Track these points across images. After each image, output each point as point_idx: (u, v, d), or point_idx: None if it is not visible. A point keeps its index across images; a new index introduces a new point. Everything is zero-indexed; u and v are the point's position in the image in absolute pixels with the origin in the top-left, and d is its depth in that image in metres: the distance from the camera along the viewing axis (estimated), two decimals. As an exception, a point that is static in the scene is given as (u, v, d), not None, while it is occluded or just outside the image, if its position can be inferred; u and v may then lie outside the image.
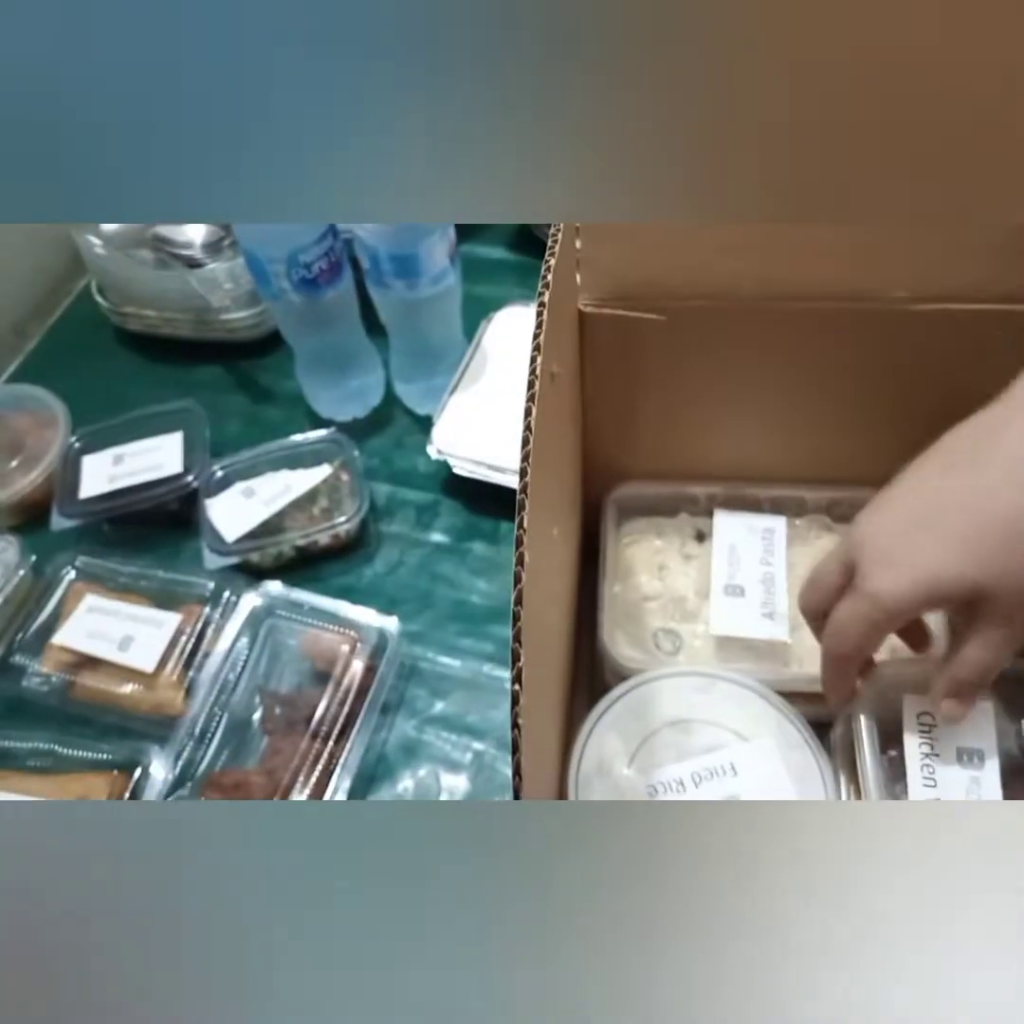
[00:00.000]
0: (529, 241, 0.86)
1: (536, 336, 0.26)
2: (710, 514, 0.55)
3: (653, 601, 0.53)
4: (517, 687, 0.24)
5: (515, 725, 0.25)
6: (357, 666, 0.57)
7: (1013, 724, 0.40)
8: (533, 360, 0.26)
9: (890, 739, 0.41)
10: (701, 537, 0.55)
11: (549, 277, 0.28)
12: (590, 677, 0.52)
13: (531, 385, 0.26)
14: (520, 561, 0.24)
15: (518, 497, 0.24)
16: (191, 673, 0.58)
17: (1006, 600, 0.33)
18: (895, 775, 0.40)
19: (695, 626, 0.52)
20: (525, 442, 0.25)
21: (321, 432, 0.69)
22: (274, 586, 0.61)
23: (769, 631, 0.49)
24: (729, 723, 0.45)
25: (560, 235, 0.30)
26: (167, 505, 0.67)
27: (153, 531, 0.69)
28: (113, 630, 0.60)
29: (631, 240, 0.43)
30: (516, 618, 0.24)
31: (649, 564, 0.55)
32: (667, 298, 0.45)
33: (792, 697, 0.46)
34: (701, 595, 0.53)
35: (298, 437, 0.69)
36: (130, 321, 0.82)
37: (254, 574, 0.63)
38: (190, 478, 0.67)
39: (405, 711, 0.59)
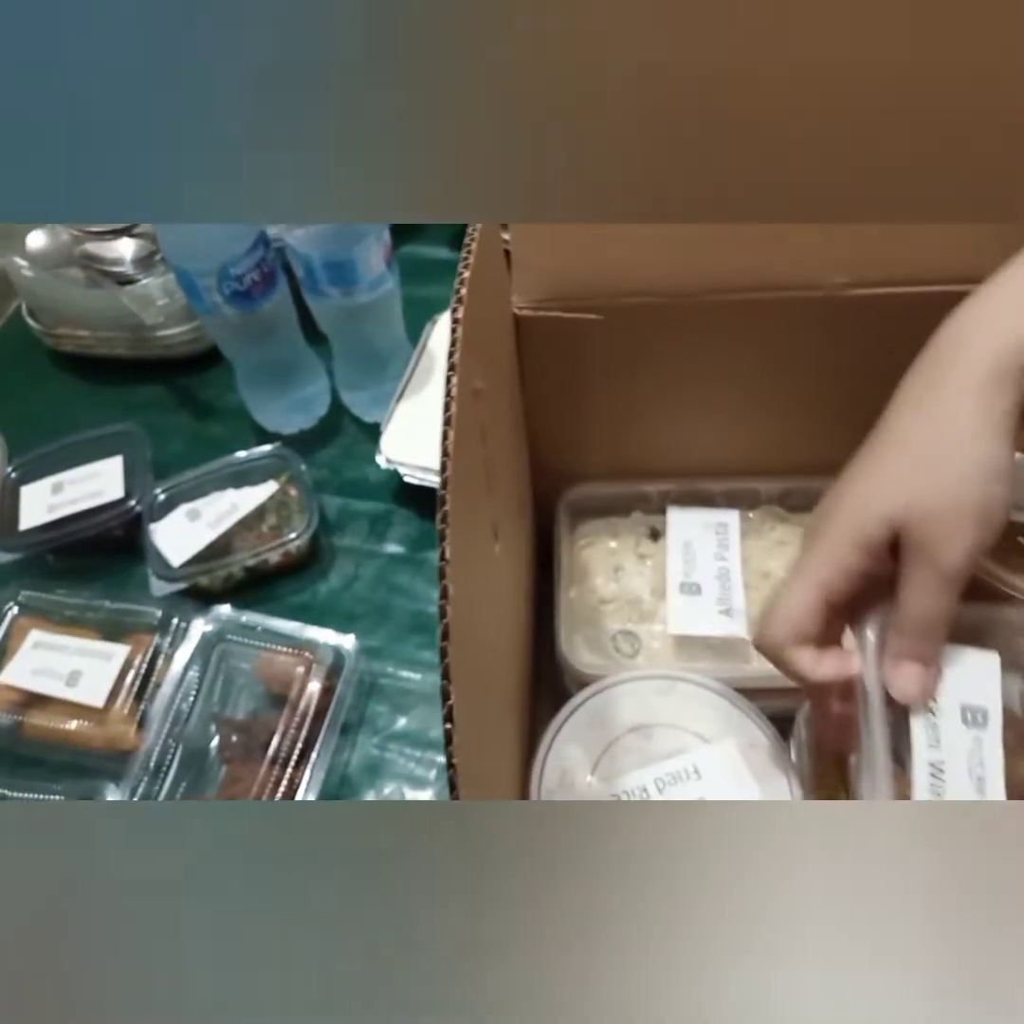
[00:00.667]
0: (472, 238, 0.85)
1: (451, 354, 0.25)
2: (663, 511, 0.54)
3: (610, 603, 0.52)
4: (449, 726, 0.23)
5: (450, 765, 0.24)
6: (314, 687, 0.55)
7: (1016, 682, 0.38)
8: (448, 380, 0.25)
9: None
10: (655, 535, 0.55)
11: (463, 291, 0.26)
12: (552, 684, 0.51)
13: (448, 407, 0.24)
14: (444, 594, 0.23)
15: (438, 526, 0.23)
16: (143, 705, 0.56)
17: (921, 529, 0.32)
18: (896, 733, 0.37)
19: (653, 626, 0.51)
20: (443, 468, 0.23)
21: (266, 447, 0.67)
22: (224, 610, 0.59)
23: (727, 628, 0.49)
24: (691, 725, 0.44)
25: (474, 244, 0.29)
26: (111, 532, 0.65)
27: (98, 560, 0.66)
28: (60, 666, 0.58)
29: (563, 238, 0.42)
30: (443, 654, 0.23)
31: (604, 566, 0.54)
32: (604, 296, 0.44)
33: (753, 694, 0.45)
34: (657, 595, 0.52)
35: (242, 454, 0.67)
36: (64, 342, 0.79)
37: (204, 598, 0.61)
38: (133, 503, 0.65)
39: (366, 729, 0.58)
